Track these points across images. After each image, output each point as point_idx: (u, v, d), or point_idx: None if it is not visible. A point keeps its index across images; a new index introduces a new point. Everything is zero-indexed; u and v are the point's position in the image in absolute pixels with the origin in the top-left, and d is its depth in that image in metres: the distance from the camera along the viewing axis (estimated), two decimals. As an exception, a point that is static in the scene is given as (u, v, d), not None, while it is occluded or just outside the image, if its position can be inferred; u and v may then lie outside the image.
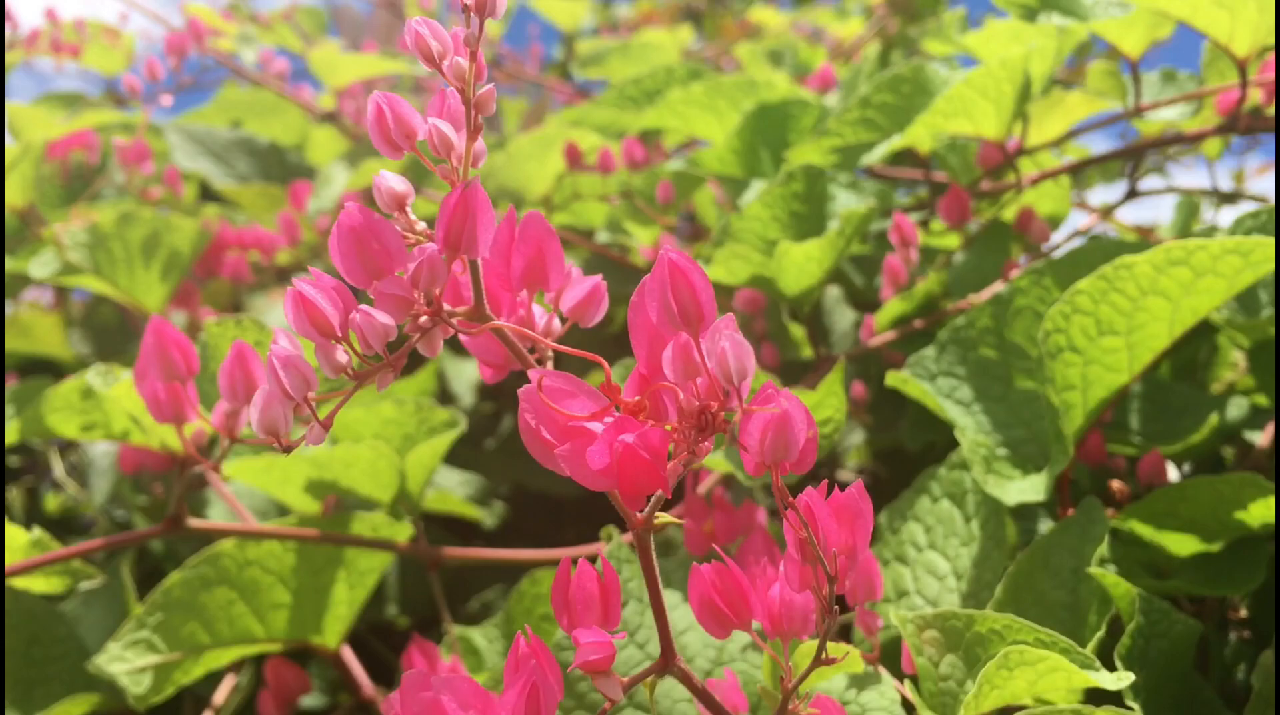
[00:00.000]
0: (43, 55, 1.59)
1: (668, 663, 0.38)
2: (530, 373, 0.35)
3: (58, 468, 1.24)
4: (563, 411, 0.34)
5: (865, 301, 1.03)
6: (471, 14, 0.36)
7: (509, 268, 0.39)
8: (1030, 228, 0.96)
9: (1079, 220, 4.10)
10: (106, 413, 0.84)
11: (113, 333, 1.36)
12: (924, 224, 0.99)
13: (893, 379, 0.72)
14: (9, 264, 1.29)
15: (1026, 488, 0.62)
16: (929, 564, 0.65)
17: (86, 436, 0.86)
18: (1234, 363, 0.89)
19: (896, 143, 0.85)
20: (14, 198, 1.09)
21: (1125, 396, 0.80)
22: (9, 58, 1.54)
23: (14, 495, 1.17)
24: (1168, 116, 0.89)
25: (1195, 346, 0.92)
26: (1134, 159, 1.00)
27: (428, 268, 0.34)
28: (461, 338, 0.42)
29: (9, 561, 0.68)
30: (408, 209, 0.37)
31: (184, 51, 1.04)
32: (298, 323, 0.34)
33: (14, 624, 0.83)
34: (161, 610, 0.66)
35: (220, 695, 0.85)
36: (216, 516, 0.93)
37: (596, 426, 0.33)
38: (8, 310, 1.46)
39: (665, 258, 0.32)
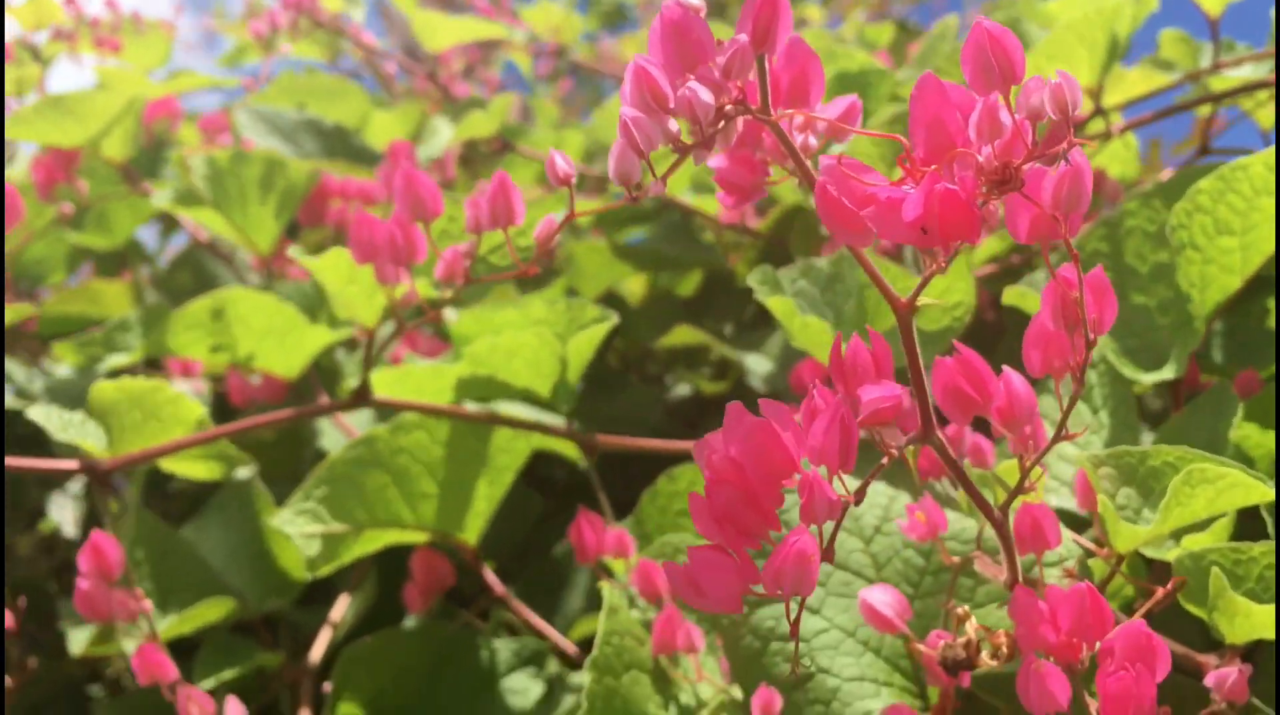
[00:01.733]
0: (86, 50, 1.63)
1: (928, 433, 0.42)
2: (824, 159, 0.39)
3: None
4: (864, 181, 0.38)
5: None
6: None
7: (777, 85, 0.43)
8: (1103, 188, 1.02)
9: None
10: (234, 334, 0.88)
11: (186, 296, 1.39)
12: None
13: (1010, 295, 0.76)
14: (82, 238, 1.33)
15: (1156, 375, 0.67)
16: (1059, 451, 0.68)
17: (213, 359, 0.89)
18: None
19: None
20: (113, 152, 1.13)
21: (1209, 334, 0.85)
22: (51, 48, 1.57)
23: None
24: (1243, 74, 0.94)
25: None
26: (1212, 106, 1.05)
27: (739, 57, 0.38)
28: (715, 165, 0.47)
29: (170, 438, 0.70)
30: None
31: (302, 5, 1.08)
32: (635, 95, 0.38)
33: (145, 539, 0.85)
34: (326, 485, 0.69)
35: (337, 611, 0.88)
36: (328, 445, 0.96)
37: (896, 193, 0.37)
38: (74, 282, 1.49)
39: (980, 24, 0.36)
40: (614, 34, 2.12)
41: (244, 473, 0.83)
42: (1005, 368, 0.45)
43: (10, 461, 0.67)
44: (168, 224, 1.65)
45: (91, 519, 1.19)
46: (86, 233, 1.34)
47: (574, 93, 1.86)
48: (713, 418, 1.15)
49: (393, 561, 0.91)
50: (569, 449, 1.04)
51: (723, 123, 0.40)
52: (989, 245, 0.88)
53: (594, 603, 0.93)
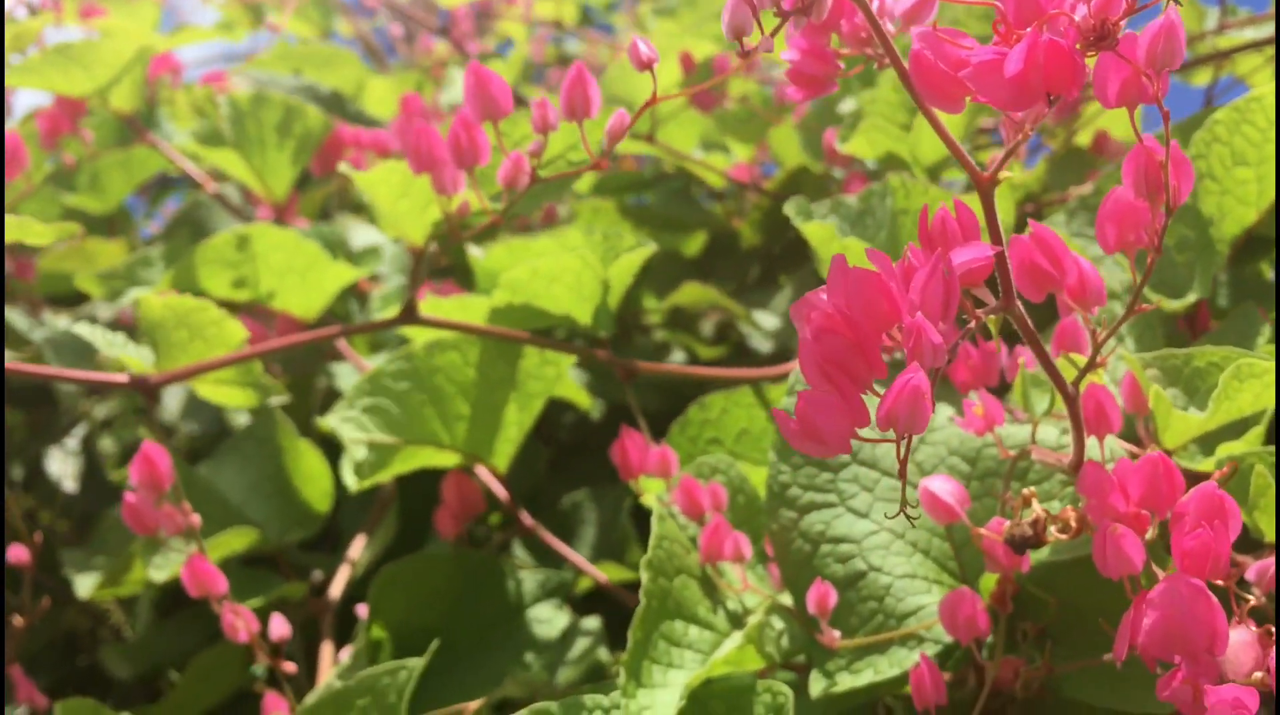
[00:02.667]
0: (71, 22, 1.61)
1: (1010, 303, 0.43)
2: (916, 28, 0.40)
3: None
4: (960, 44, 0.39)
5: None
6: None
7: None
8: (1106, 149, 1.04)
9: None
10: (256, 269, 0.88)
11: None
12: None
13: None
14: (76, 199, 1.32)
15: (1182, 301, 0.69)
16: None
17: (235, 295, 0.89)
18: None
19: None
20: (121, 102, 1.12)
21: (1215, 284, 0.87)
22: (31, 25, 1.55)
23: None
24: (1249, 35, 0.97)
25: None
26: (1215, 69, 1.08)
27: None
28: (787, 57, 0.48)
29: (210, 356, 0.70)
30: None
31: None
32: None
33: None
34: (368, 395, 0.70)
35: (354, 550, 0.89)
36: (343, 384, 0.96)
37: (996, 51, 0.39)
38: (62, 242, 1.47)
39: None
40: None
41: (277, 401, 0.83)
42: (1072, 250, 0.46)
43: (59, 372, 0.67)
44: (159, 190, 1.65)
45: (90, 473, 1.18)
46: (80, 194, 1.33)
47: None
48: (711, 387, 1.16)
49: (409, 500, 0.92)
50: (579, 396, 1.05)
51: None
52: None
53: (601, 554, 0.94)
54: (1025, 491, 0.49)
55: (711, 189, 1.34)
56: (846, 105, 1.04)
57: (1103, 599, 0.51)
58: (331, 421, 0.68)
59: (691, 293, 1.12)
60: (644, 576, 0.56)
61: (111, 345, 0.68)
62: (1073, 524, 0.47)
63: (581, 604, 0.89)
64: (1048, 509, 0.49)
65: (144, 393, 0.66)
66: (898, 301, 0.37)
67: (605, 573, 0.81)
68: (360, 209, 1.25)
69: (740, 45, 0.40)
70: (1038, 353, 0.45)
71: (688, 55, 1.05)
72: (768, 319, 1.10)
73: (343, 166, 0.65)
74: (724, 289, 1.25)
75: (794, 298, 1.13)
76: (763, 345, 1.20)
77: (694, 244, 1.31)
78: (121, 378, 0.66)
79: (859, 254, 0.68)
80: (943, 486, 0.52)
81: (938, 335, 0.37)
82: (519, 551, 0.95)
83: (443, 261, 1.09)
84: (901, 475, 0.38)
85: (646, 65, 0.47)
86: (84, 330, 0.68)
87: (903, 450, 0.37)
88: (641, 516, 1.02)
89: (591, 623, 0.90)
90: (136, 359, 0.67)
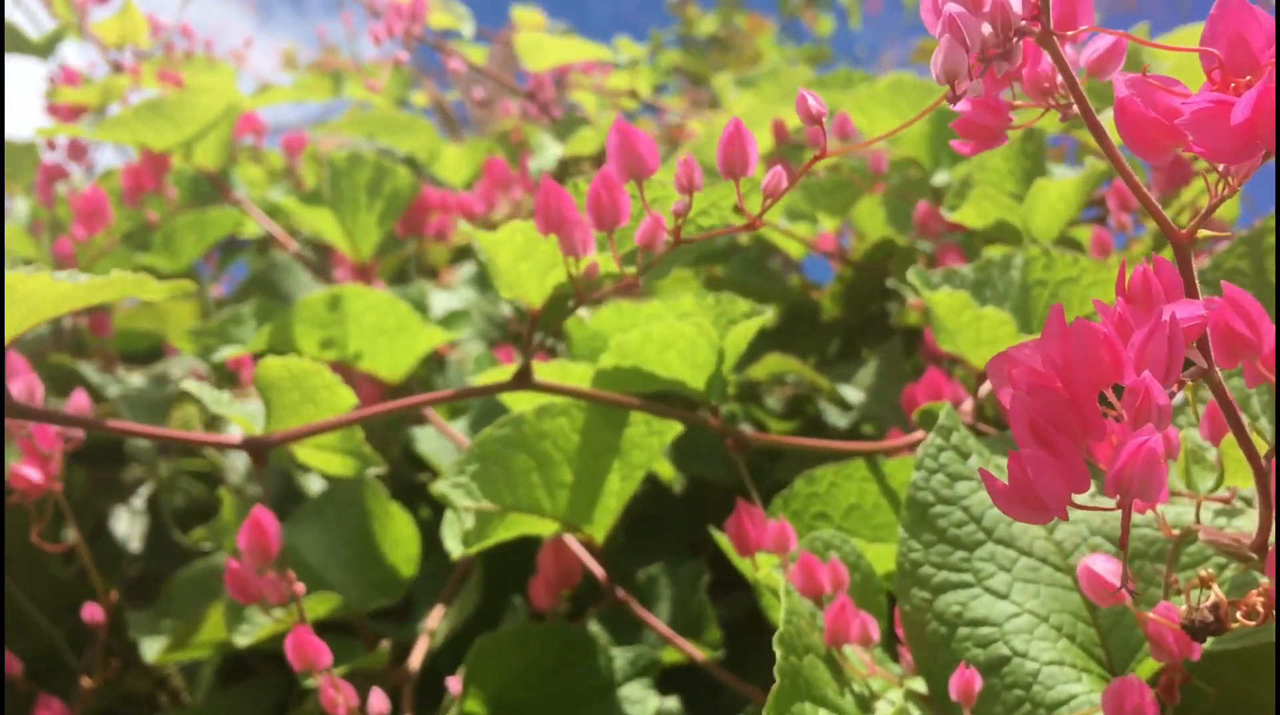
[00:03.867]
0: (150, 86, 1.63)
1: (1210, 368, 0.40)
2: (1119, 78, 0.39)
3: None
4: (1174, 91, 0.37)
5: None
6: None
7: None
8: (1209, 224, 1.02)
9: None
10: (346, 330, 0.86)
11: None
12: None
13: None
14: (149, 258, 1.32)
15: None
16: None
17: (323, 355, 0.88)
18: None
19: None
20: (206, 158, 1.12)
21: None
22: (118, 82, 1.57)
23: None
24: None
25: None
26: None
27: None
28: (959, 108, 0.46)
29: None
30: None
31: (419, 15, 1.08)
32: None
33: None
34: (478, 461, 0.67)
35: (433, 620, 0.86)
36: (424, 448, 0.94)
37: (1218, 98, 0.36)
38: (133, 300, 1.47)
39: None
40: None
41: (373, 471, 0.81)
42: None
43: (175, 434, 0.65)
44: (226, 252, 1.65)
45: (156, 533, 1.16)
46: (153, 254, 1.33)
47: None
48: (784, 463, 1.13)
49: (489, 571, 0.89)
50: (662, 467, 1.03)
51: (1017, 39, 0.40)
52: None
53: (678, 631, 0.90)
54: (1203, 573, 0.46)
55: (788, 260, 1.32)
56: (940, 177, 1.03)
57: (1267, 691, 0.48)
58: (442, 487, 0.66)
59: (774, 364, 1.10)
60: (777, 653, 0.53)
61: (218, 403, 0.67)
62: (1260, 609, 0.44)
63: (658, 683, 0.86)
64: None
65: (254, 454, 0.64)
66: (1121, 357, 0.35)
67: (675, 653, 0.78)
68: (436, 273, 1.24)
69: (952, 89, 0.38)
70: (1235, 425, 0.42)
71: (780, 124, 1.04)
72: (852, 393, 1.07)
73: (463, 225, 0.63)
74: (804, 362, 1.23)
75: (881, 372, 1.10)
76: (839, 420, 1.17)
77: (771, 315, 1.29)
78: (235, 439, 0.64)
79: (995, 323, 0.65)
80: (1104, 566, 0.49)
81: (1165, 396, 0.34)
82: (593, 625, 0.91)
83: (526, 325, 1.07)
84: (1123, 544, 0.35)
85: (816, 119, 0.45)
86: (192, 387, 0.67)
87: (1127, 517, 0.34)
88: (716, 593, 0.99)
89: (671, 703, 0.87)
90: (246, 419, 0.65)
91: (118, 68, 1.34)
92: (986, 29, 0.38)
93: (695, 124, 1.22)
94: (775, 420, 1.23)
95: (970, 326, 0.66)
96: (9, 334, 0.57)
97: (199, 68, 1.59)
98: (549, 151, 1.16)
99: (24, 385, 0.67)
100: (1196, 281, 0.41)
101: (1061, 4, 0.42)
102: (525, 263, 0.62)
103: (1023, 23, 0.40)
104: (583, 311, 0.82)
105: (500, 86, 1.41)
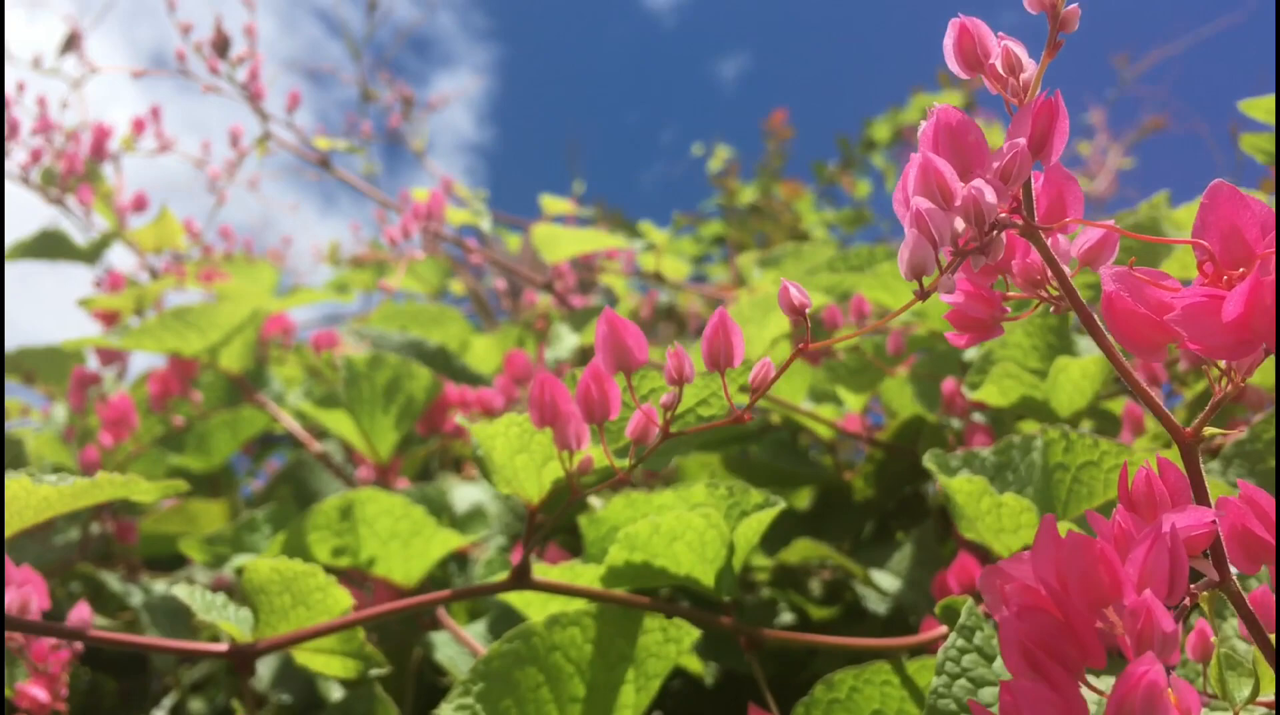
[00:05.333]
0: (193, 286, 1.67)
1: (1225, 577, 0.38)
2: (1105, 271, 0.37)
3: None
4: (1163, 285, 0.36)
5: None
6: None
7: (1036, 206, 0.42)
8: (1246, 396, 0.99)
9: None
10: (359, 536, 0.85)
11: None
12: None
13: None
14: (182, 459, 1.32)
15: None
16: None
17: (335, 562, 0.86)
18: None
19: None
20: (230, 362, 1.13)
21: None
22: (151, 289, 1.62)
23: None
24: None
25: None
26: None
27: (1019, 161, 0.37)
28: (950, 299, 0.44)
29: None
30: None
31: (435, 214, 1.10)
32: (922, 187, 0.36)
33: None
34: (484, 680, 0.64)
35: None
36: (443, 657, 0.91)
37: (1209, 292, 0.35)
38: (165, 503, 1.47)
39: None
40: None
41: (376, 672, 0.78)
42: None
43: (155, 641, 0.63)
44: (262, 447, 1.65)
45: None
46: (186, 454, 1.34)
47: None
48: (822, 656, 1.09)
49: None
50: (692, 661, 0.98)
51: (996, 232, 0.38)
52: (1139, 445, 0.85)
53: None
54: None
55: (819, 440, 1.30)
56: (970, 351, 1.01)
57: None
58: (446, 711, 0.63)
59: (803, 549, 1.06)
60: None
61: (210, 608, 0.65)
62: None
63: None
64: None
65: (240, 663, 0.62)
66: (1120, 575, 0.32)
67: None
68: (460, 466, 1.23)
69: (919, 285, 0.36)
70: (1258, 636, 0.39)
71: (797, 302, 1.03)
72: (886, 580, 1.03)
73: (459, 418, 0.62)
74: (837, 545, 1.19)
75: (916, 556, 1.07)
76: (878, 605, 1.13)
77: (803, 497, 1.26)
78: (220, 647, 0.62)
79: (1015, 511, 0.62)
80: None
81: (1170, 620, 0.32)
82: None
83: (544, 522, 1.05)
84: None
85: (799, 310, 0.44)
86: (182, 592, 0.65)
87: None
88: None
89: None
90: (235, 626, 0.63)
91: (154, 273, 1.37)
92: (959, 224, 0.37)
93: (741, 293, 1.22)
94: (815, 606, 1.18)
95: (990, 513, 0.64)
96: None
97: (239, 267, 1.63)
98: (566, 342, 1.16)
99: (18, 597, 0.66)
100: (1205, 482, 0.38)
101: (1049, 196, 0.41)
102: (521, 456, 0.61)
103: (1002, 216, 0.38)
104: (595, 501, 0.80)
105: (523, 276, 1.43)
